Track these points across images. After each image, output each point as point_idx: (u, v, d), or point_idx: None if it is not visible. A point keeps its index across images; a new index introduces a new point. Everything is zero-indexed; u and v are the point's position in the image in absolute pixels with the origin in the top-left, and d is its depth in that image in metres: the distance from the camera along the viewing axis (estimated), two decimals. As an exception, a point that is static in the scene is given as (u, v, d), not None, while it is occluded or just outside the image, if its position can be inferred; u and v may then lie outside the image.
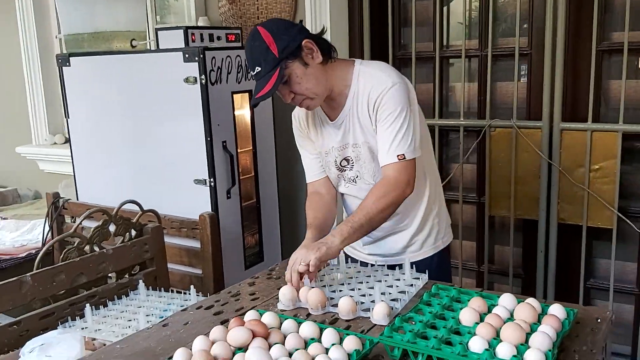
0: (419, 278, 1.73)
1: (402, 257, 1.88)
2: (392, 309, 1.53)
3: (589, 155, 2.44)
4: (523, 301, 1.43)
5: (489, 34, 2.60)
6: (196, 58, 2.40)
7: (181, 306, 1.82)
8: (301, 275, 1.64)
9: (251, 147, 2.73)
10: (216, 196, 2.52)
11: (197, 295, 1.95)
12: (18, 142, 4.13)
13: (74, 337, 1.59)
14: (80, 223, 2.10)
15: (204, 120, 2.45)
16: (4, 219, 3.51)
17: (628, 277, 2.59)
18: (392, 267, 1.85)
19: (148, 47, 2.96)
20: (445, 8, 2.83)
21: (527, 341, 1.27)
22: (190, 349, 1.30)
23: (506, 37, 2.70)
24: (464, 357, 1.23)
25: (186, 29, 2.53)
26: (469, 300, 1.47)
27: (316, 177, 1.99)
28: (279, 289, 1.70)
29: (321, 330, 1.37)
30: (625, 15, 2.29)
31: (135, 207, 2.26)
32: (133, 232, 2.19)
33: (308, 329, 1.37)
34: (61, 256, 1.97)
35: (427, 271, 1.77)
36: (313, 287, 1.63)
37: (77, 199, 2.99)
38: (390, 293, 1.65)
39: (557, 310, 1.41)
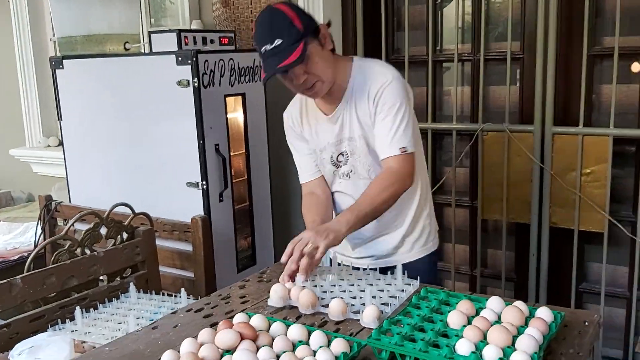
0: (410, 284, 1.73)
1: (392, 259, 1.89)
2: (382, 312, 1.53)
3: (581, 159, 2.45)
4: (511, 304, 1.44)
5: (481, 38, 2.61)
6: (189, 61, 2.41)
7: (172, 309, 1.82)
8: (301, 257, 1.63)
9: (244, 150, 2.73)
10: (208, 199, 2.52)
11: (188, 298, 1.95)
12: (12, 144, 4.12)
13: (64, 340, 1.59)
14: (72, 226, 2.10)
15: (196, 123, 2.45)
16: (-2, 221, 3.51)
17: (619, 281, 2.60)
18: (383, 271, 1.84)
19: (142, 50, 2.97)
20: (438, 12, 2.84)
21: (513, 344, 1.27)
22: (179, 352, 1.30)
23: (499, 41, 2.72)
24: (450, 359, 1.23)
25: (179, 32, 2.54)
26: (457, 303, 1.48)
27: (311, 177, 1.98)
28: (269, 291, 1.71)
29: (309, 333, 1.37)
30: (616, 20, 2.31)
31: (127, 210, 2.26)
32: (125, 235, 2.19)
33: (296, 331, 1.37)
34: (52, 259, 1.97)
35: (418, 273, 1.76)
36: (305, 287, 1.63)
37: (70, 202, 2.99)
38: (380, 297, 1.64)
39: (544, 313, 1.41)
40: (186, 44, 2.55)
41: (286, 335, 1.37)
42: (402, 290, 1.68)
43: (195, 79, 2.42)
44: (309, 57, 1.66)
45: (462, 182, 2.86)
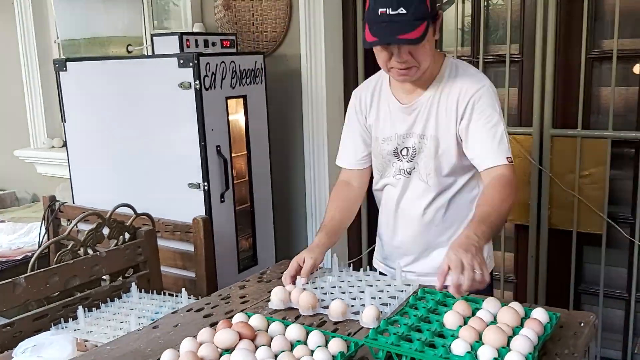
0: (409, 285, 1.75)
1: (434, 279, 1.69)
2: (381, 312, 1.55)
3: (579, 162, 2.47)
4: (507, 305, 1.46)
5: (480, 41, 2.63)
6: (190, 64, 2.43)
7: (173, 309, 1.84)
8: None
9: (245, 152, 2.75)
10: (210, 200, 2.54)
11: (189, 298, 1.98)
12: (16, 145, 4.16)
13: (66, 339, 1.62)
14: (75, 226, 2.12)
15: (198, 125, 2.47)
16: (2, 221, 3.54)
17: (618, 282, 2.62)
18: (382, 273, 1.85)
19: (144, 53, 2.99)
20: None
21: (509, 344, 1.29)
22: (179, 351, 1.32)
23: (498, 44, 2.74)
24: (446, 359, 1.25)
25: (181, 35, 2.57)
26: (454, 304, 1.49)
27: (353, 167, 1.91)
28: (269, 292, 1.73)
29: (308, 333, 1.39)
30: (615, 22, 2.32)
31: (130, 211, 2.28)
32: (127, 235, 2.21)
33: (294, 331, 1.39)
34: (55, 259, 2.00)
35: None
36: (305, 289, 1.65)
37: (74, 202, 3.01)
38: (380, 297, 1.66)
39: (539, 314, 1.43)
40: (188, 46, 2.57)
41: (284, 335, 1.39)
42: (402, 291, 1.70)
43: (197, 81, 2.44)
44: (425, 38, 1.57)
45: (462, 183, 2.87)
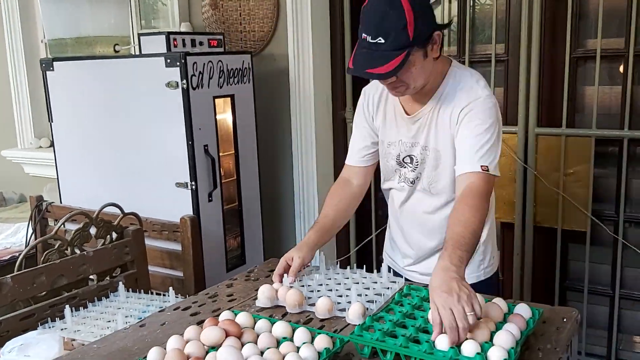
0: (395, 282, 1.77)
1: None
2: (367, 309, 1.56)
3: (564, 160, 2.49)
4: (490, 301, 1.48)
5: (466, 41, 2.65)
6: (177, 63, 2.43)
7: (160, 307, 1.84)
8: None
9: (233, 151, 2.76)
10: (197, 199, 2.54)
11: (176, 297, 1.98)
12: (3, 145, 4.13)
13: (53, 338, 1.62)
14: (62, 225, 2.12)
15: (185, 124, 2.48)
16: (-12, 222, 3.52)
17: (602, 279, 2.65)
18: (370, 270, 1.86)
19: (132, 52, 2.99)
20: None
21: (492, 339, 1.31)
22: (165, 349, 1.33)
23: (485, 43, 2.76)
24: (430, 354, 1.27)
25: (168, 34, 2.57)
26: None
27: (355, 163, 1.89)
28: (256, 290, 1.74)
29: (294, 330, 1.40)
30: (599, 22, 2.35)
31: (117, 210, 2.29)
32: (114, 235, 2.22)
33: (280, 328, 1.40)
34: (42, 258, 2.00)
35: None
36: (292, 287, 1.67)
37: (61, 203, 3.01)
38: (366, 295, 1.67)
39: (522, 309, 1.45)
40: (175, 46, 2.57)
41: (271, 332, 1.40)
42: (388, 288, 1.72)
43: (184, 81, 2.44)
44: (406, 67, 1.53)
45: (448, 182, 2.89)
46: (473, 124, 1.62)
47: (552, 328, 1.47)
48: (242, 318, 1.45)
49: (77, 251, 2.08)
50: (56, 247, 2.03)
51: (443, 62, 1.70)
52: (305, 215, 3.04)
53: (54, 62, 2.85)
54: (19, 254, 2.01)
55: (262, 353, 1.29)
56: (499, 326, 1.37)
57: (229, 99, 2.70)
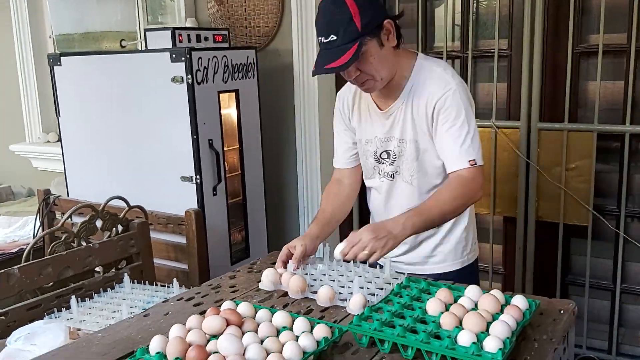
0: (397, 277, 1.79)
1: (424, 267, 1.87)
2: (368, 301, 1.58)
3: (566, 155, 2.50)
4: (487, 292, 1.49)
5: (469, 36, 2.67)
6: (183, 58, 2.46)
7: (164, 299, 1.87)
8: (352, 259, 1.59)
9: (238, 146, 2.78)
10: (202, 193, 2.58)
11: (180, 289, 2.01)
12: (12, 140, 4.18)
13: (59, 327, 1.65)
14: (68, 218, 2.16)
15: (190, 119, 2.51)
16: (-3, 215, 3.57)
17: (604, 273, 2.65)
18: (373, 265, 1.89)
19: (138, 48, 3.02)
20: (429, 10, 2.89)
21: (488, 329, 1.33)
22: (167, 337, 1.35)
23: (488, 39, 2.77)
24: (426, 344, 1.29)
25: (173, 29, 2.59)
26: (437, 292, 1.53)
27: (343, 166, 1.96)
28: (259, 282, 1.77)
29: (294, 320, 1.43)
30: (601, 17, 2.36)
31: (123, 203, 2.32)
32: (120, 228, 2.25)
33: (280, 318, 1.43)
34: (48, 250, 2.03)
35: None
36: (295, 274, 1.69)
37: (68, 196, 3.05)
38: (368, 287, 1.69)
39: (519, 301, 1.47)
40: (180, 41, 2.60)
41: (271, 321, 1.43)
42: (390, 283, 1.73)
43: (189, 76, 2.47)
44: (363, 57, 1.60)
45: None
46: (450, 117, 1.67)
47: (548, 319, 1.49)
48: (243, 308, 1.47)
49: (84, 243, 2.11)
50: (63, 239, 2.07)
51: (408, 55, 1.76)
52: (308, 209, 3.07)
53: (62, 57, 2.89)
54: (27, 246, 2.05)
55: (262, 342, 1.31)
56: (495, 317, 1.39)
57: (233, 94, 2.73)
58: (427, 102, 1.70)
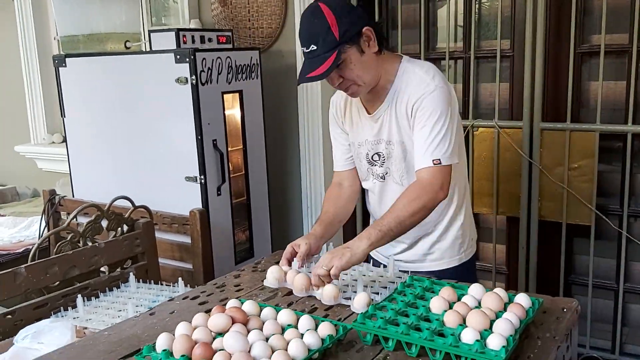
0: (401, 277, 1.79)
1: (422, 265, 1.90)
2: (372, 300, 1.59)
3: (568, 154, 2.51)
4: (491, 290, 1.51)
5: (472, 37, 2.68)
6: (187, 59, 2.48)
7: (169, 297, 1.88)
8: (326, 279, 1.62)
9: (241, 146, 2.80)
10: (206, 193, 2.59)
11: (185, 287, 2.03)
12: (17, 141, 4.21)
13: (66, 326, 1.66)
14: (74, 218, 2.17)
15: (194, 119, 2.52)
16: (2, 216, 3.59)
17: (607, 273, 2.66)
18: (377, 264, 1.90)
19: (143, 49, 3.04)
20: (432, 11, 2.90)
21: (491, 327, 1.34)
22: (174, 335, 1.37)
23: (491, 39, 2.78)
24: (430, 341, 1.30)
25: (178, 31, 2.61)
26: (440, 290, 1.54)
27: (341, 168, 1.99)
28: (263, 280, 1.79)
29: (298, 318, 1.44)
30: (602, 18, 2.37)
31: (128, 203, 2.33)
32: (125, 227, 2.26)
33: (285, 316, 1.44)
34: (54, 250, 2.05)
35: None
36: (300, 272, 1.71)
37: (73, 196, 3.06)
38: (372, 287, 1.71)
39: (522, 299, 1.48)
40: (184, 42, 2.62)
41: (276, 319, 1.44)
42: (393, 282, 1.75)
43: (194, 77, 2.49)
44: (343, 64, 1.64)
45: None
46: (424, 117, 1.69)
47: (551, 318, 1.50)
48: (248, 306, 1.49)
49: (89, 243, 2.13)
50: (69, 238, 2.08)
51: (393, 58, 1.79)
52: (312, 209, 3.08)
53: (67, 59, 2.91)
54: (32, 246, 2.07)
55: (267, 339, 1.33)
56: (498, 315, 1.40)
57: (237, 94, 2.74)
58: (407, 104, 1.73)
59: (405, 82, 1.75)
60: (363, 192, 2.03)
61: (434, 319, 1.40)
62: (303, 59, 1.70)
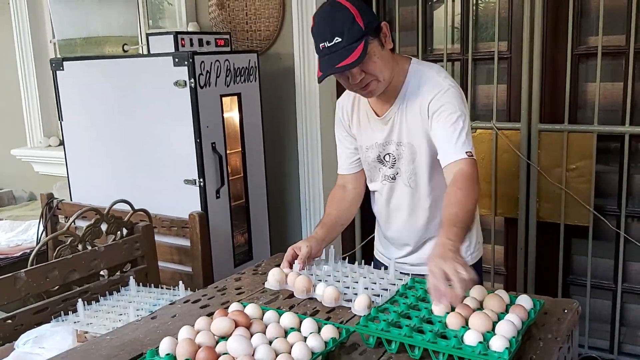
0: (401, 279, 1.80)
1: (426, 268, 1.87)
2: (373, 302, 1.60)
3: (566, 156, 2.52)
4: (492, 292, 1.51)
5: (469, 39, 2.69)
6: (185, 62, 2.48)
7: (170, 301, 1.88)
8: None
9: (240, 149, 2.80)
10: (205, 196, 2.59)
11: (185, 291, 2.02)
12: (13, 144, 4.19)
13: (67, 330, 1.66)
14: (73, 222, 2.17)
15: (193, 122, 2.52)
16: (-1, 220, 3.58)
17: (605, 273, 2.67)
18: (377, 266, 1.90)
19: (140, 52, 3.03)
20: (429, 13, 2.91)
21: (494, 329, 1.35)
22: (176, 339, 1.37)
23: (488, 41, 2.79)
24: (433, 343, 1.30)
25: (176, 34, 2.61)
26: (442, 292, 1.54)
27: (346, 172, 1.99)
28: (264, 283, 1.79)
29: (301, 321, 1.44)
30: (599, 19, 2.38)
31: (127, 207, 2.33)
32: (124, 231, 2.26)
33: (288, 319, 1.44)
34: (54, 254, 2.04)
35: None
36: (301, 274, 1.71)
37: (71, 200, 3.06)
38: (373, 288, 1.71)
39: (524, 300, 1.49)
40: (183, 45, 2.61)
41: (279, 322, 1.45)
42: (394, 284, 1.75)
43: (192, 80, 2.49)
44: (368, 57, 1.62)
45: (453, 178, 2.93)
46: (445, 114, 1.68)
47: (553, 319, 1.51)
48: (251, 309, 1.49)
49: (89, 247, 2.13)
50: (68, 242, 2.08)
51: (403, 60, 1.79)
52: (311, 212, 3.08)
53: (64, 62, 2.90)
54: (31, 251, 2.06)
55: (270, 343, 1.33)
56: (500, 316, 1.41)
57: (235, 97, 2.74)
58: (421, 105, 1.72)
59: (416, 83, 1.74)
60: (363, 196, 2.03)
61: (436, 321, 1.41)
62: (319, 59, 1.66)
